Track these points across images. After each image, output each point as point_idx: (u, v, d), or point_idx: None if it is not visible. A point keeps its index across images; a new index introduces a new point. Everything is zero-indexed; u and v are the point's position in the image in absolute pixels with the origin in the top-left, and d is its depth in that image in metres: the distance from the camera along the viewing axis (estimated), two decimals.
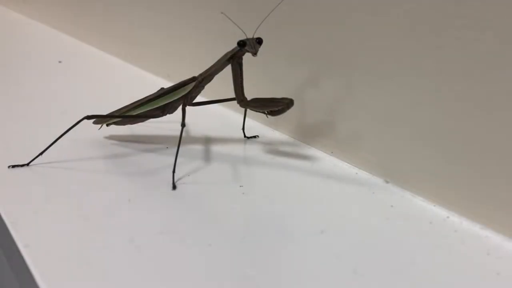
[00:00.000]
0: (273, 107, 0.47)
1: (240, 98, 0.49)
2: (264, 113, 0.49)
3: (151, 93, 0.52)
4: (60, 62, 0.86)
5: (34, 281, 0.33)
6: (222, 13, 0.47)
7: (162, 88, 0.52)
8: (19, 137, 0.54)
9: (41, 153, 0.47)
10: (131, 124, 0.56)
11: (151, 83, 0.63)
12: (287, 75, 0.55)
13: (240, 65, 0.48)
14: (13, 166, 0.47)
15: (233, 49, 0.47)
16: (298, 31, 0.51)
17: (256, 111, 0.50)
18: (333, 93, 0.50)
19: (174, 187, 0.45)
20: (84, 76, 0.80)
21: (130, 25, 0.82)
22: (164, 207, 0.43)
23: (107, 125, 0.54)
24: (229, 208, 0.43)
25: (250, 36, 0.46)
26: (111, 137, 0.55)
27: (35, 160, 0.47)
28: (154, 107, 0.51)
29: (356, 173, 0.49)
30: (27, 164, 0.47)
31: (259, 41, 0.46)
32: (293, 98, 0.47)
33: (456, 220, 0.41)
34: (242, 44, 0.46)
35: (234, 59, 0.48)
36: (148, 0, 0.76)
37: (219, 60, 0.48)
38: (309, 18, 0.50)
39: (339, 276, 0.34)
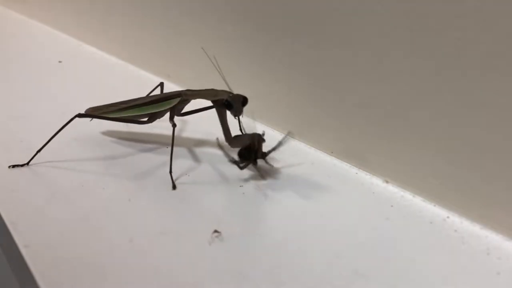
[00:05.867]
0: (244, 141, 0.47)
1: (229, 139, 0.48)
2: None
3: (142, 96, 0.52)
4: (60, 62, 0.86)
5: (34, 281, 0.33)
6: (202, 48, 0.48)
7: (162, 83, 0.52)
8: (19, 137, 0.54)
9: (38, 151, 0.47)
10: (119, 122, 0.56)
11: (151, 83, 0.63)
12: (287, 74, 0.55)
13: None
14: (13, 166, 0.47)
15: (219, 96, 0.47)
16: (299, 32, 0.51)
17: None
18: (333, 93, 0.50)
19: (174, 187, 0.45)
20: (84, 76, 0.80)
21: (130, 25, 0.82)
22: (164, 207, 0.43)
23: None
24: (229, 208, 0.43)
25: (234, 80, 0.46)
26: (110, 134, 0.56)
27: (35, 160, 0.47)
28: (142, 113, 0.51)
29: (356, 173, 0.49)
30: (27, 164, 0.47)
31: (244, 102, 0.46)
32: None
33: (456, 220, 0.41)
34: (228, 105, 0.46)
35: (218, 102, 0.48)
36: (148, 0, 0.76)
37: (206, 92, 0.48)
38: (309, 18, 0.50)
39: (340, 276, 0.34)
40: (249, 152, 0.46)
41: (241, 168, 0.47)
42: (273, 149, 0.47)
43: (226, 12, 0.60)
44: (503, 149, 0.37)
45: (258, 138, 0.46)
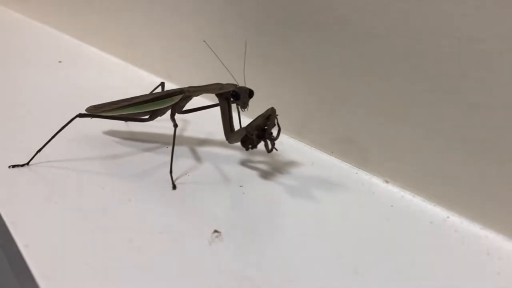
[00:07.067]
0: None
1: (228, 134, 0.48)
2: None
3: (143, 94, 0.52)
4: (60, 62, 0.86)
5: (34, 281, 0.33)
6: (204, 41, 0.48)
7: (162, 83, 0.52)
8: (19, 137, 0.54)
9: (39, 151, 0.47)
10: (119, 120, 0.56)
11: (151, 83, 0.63)
12: (286, 75, 0.55)
13: (228, 100, 0.48)
14: (13, 166, 0.47)
15: (225, 89, 0.47)
16: (298, 32, 0.51)
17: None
18: (333, 92, 0.50)
19: (174, 187, 0.45)
20: (84, 76, 0.80)
21: (130, 25, 0.82)
22: (164, 207, 0.43)
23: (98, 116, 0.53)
24: (229, 208, 0.43)
25: (238, 72, 0.46)
26: (110, 134, 0.55)
27: (35, 160, 0.47)
28: (143, 111, 0.51)
29: (356, 173, 0.49)
30: (27, 164, 0.47)
31: (250, 94, 0.47)
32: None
33: (456, 220, 0.41)
34: (235, 96, 0.46)
35: (222, 95, 0.48)
36: (148, 0, 0.76)
37: (210, 86, 0.48)
38: (308, 17, 0.50)
39: (339, 276, 0.34)
40: (258, 128, 0.45)
41: (252, 147, 0.46)
42: (278, 133, 0.46)
43: (226, 11, 0.60)
44: (503, 149, 0.37)
45: (272, 114, 0.44)
